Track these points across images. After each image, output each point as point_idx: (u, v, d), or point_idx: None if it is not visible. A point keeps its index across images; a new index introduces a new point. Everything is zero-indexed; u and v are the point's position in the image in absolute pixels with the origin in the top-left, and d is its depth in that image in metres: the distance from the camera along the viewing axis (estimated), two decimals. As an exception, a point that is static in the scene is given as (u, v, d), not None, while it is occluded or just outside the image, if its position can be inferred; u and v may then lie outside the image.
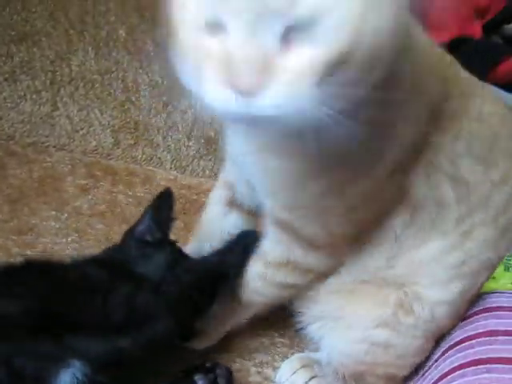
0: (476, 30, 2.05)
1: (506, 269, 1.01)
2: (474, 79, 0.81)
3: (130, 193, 1.14)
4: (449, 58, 0.79)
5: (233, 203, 0.91)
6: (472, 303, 0.87)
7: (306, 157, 0.67)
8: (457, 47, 1.91)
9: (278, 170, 0.72)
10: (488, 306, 0.87)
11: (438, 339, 0.85)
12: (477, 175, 0.77)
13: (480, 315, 0.85)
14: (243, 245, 0.86)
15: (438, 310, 0.81)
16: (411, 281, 0.81)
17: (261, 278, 0.84)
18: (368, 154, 0.67)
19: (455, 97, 0.76)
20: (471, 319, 0.85)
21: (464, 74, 0.80)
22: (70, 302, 0.72)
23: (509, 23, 1.99)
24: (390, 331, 0.81)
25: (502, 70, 1.70)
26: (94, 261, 0.83)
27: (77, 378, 0.67)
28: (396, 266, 0.80)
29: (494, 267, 0.83)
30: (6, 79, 1.20)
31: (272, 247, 0.81)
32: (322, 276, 0.83)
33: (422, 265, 0.80)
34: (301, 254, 0.79)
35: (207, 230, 0.98)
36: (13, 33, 1.22)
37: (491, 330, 0.80)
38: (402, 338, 0.82)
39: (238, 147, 0.76)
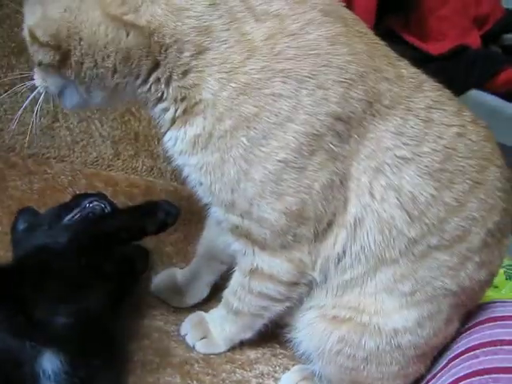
0: (475, 39, 2.06)
1: (508, 278, 1.00)
2: (424, 77, 0.79)
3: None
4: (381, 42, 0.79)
5: None
6: (475, 313, 0.86)
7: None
8: (456, 56, 1.92)
9: (196, 166, 0.76)
10: (492, 315, 0.86)
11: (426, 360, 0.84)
12: (427, 194, 0.75)
13: (484, 325, 0.84)
14: (149, 212, 0.90)
15: (398, 338, 0.80)
16: (362, 310, 0.80)
17: (241, 286, 0.86)
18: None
19: (392, 81, 0.75)
20: (475, 329, 0.84)
21: (411, 67, 0.79)
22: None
23: (507, 33, 1.99)
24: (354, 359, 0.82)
25: (501, 79, 1.71)
26: None
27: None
28: (344, 296, 0.81)
29: (455, 295, 0.79)
30: (6, 91, 1.20)
31: (240, 256, 0.84)
32: (294, 290, 0.83)
33: (372, 295, 0.80)
34: (262, 259, 0.81)
35: (206, 246, 1.00)
36: (13, 45, 1.22)
37: (496, 340, 0.80)
38: (372, 364, 0.82)
39: (177, 163, 0.81)
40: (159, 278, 1.02)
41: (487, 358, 0.77)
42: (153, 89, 0.75)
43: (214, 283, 1.00)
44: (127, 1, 0.69)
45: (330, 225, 0.77)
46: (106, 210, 0.94)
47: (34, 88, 0.81)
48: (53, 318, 0.75)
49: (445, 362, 0.83)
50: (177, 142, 0.77)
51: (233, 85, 0.71)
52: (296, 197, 0.74)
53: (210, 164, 0.75)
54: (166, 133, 0.79)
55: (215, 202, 0.79)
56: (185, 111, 0.75)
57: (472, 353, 0.79)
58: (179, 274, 1.02)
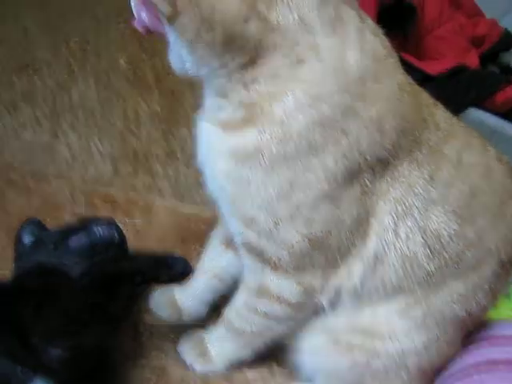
0: (473, 59, 2.07)
1: (507, 296, 1.00)
2: (454, 119, 0.82)
3: (129, 221, 1.14)
4: (422, 91, 0.81)
5: (229, 242, 0.92)
6: (472, 332, 0.87)
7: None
8: (454, 76, 1.94)
9: (226, 172, 0.74)
10: (489, 335, 0.86)
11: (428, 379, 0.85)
12: (450, 230, 0.77)
13: (480, 344, 0.84)
14: (167, 264, 0.90)
15: (405, 359, 0.81)
16: (373, 334, 0.81)
17: (245, 306, 0.86)
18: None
19: (431, 130, 0.77)
20: (471, 348, 0.84)
21: (443, 111, 0.81)
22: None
23: (505, 51, 2.01)
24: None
25: (500, 98, 1.72)
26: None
27: None
28: (356, 321, 0.82)
29: (462, 320, 0.81)
30: (6, 108, 1.21)
31: (248, 273, 0.83)
32: (301, 311, 0.83)
33: (384, 319, 0.81)
34: (271, 279, 0.80)
35: (206, 264, 0.99)
36: (14, 62, 1.23)
37: (492, 360, 0.80)
38: (376, 381, 0.83)
39: (201, 158, 0.79)
40: (157, 296, 1.01)
41: (482, 377, 0.77)
42: (229, 84, 0.72)
43: (213, 301, 1.00)
44: None
45: (345, 255, 0.77)
46: (115, 237, 0.94)
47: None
48: (48, 348, 0.74)
49: (440, 381, 0.83)
50: (214, 139, 0.76)
51: (314, 112, 0.69)
52: (324, 225, 0.74)
53: (243, 176, 0.73)
54: (203, 121, 0.77)
55: (234, 214, 0.78)
56: (243, 118, 0.72)
57: (467, 372, 0.79)
58: (177, 291, 1.01)
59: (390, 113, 0.72)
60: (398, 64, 0.76)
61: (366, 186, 0.74)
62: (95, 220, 0.95)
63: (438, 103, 0.81)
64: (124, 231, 1.11)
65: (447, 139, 0.78)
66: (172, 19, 0.68)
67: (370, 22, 0.74)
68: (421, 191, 0.75)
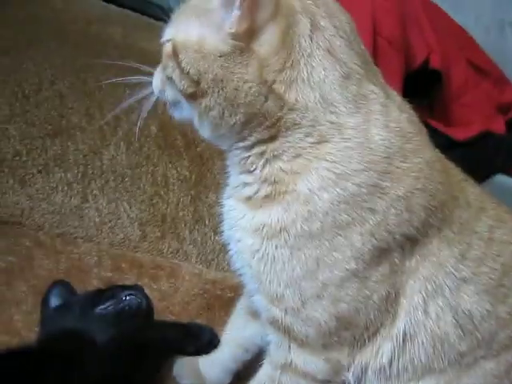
0: (500, 125, 2.08)
1: None
2: (484, 195, 0.81)
3: (155, 286, 1.14)
4: (452, 166, 0.81)
5: (255, 313, 0.91)
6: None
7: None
8: (481, 142, 1.94)
9: (251, 250, 0.74)
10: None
11: None
12: (483, 310, 0.76)
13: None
14: (193, 335, 0.91)
15: None
16: None
17: (270, 379, 0.83)
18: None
19: (462, 207, 0.77)
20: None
21: (473, 186, 0.81)
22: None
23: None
24: None
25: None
26: None
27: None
28: None
29: None
30: (39, 171, 1.23)
31: (273, 348, 0.82)
32: None
33: None
34: (297, 356, 0.78)
35: (231, 334, 0.98)
36: (49, 127, 1.26)
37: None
38: None
39: (227, 234, 0.80)
40: (180, 364, 1.00)
41: None
42: (251, 159, 0.73)
43: (237, 370, 0.98)
44: (286, 71, 0.68)
45: (374, 333, 0.76)
46: (142, 306, 0.93)
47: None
48: None
49: None
50: (239, 216, 0.76)
51: (339, 190, 0.69)
52: (352, 304, 0.73)
53: (270, 254, 0.73)
54: (228, 198, 0.78)
55: (260, 291, 0.77)
56: (267, 195, 0.73)
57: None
58: (201, 359, 1.00)
59: (419, 192, 0.71)
60: (427, 140, 0.76)
61: (395, 264, 0.73)
62: (124, 288, 0.95)
63: (468, 178, 0.81)
64: (150, 296, 1.11)
65: (478, 216, 0.77)
66: (192, 98, 0.71)
67: (397, 98, 0.75)
68: (452, 270, 0.74)
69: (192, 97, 0.71)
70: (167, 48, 0.73)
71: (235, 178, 0.78)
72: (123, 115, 1.29)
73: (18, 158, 1.22)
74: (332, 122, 0.69)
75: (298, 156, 0.71)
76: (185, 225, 1.25)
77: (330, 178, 0.69)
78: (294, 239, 0.71)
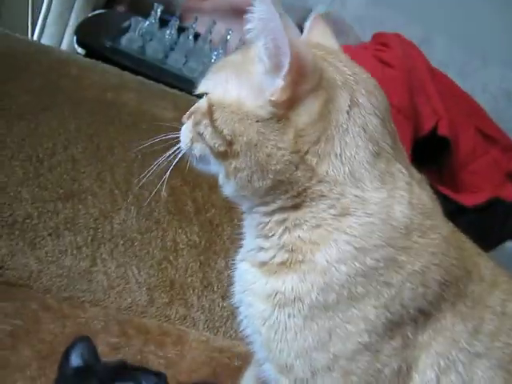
0: (509, 192, 2.08)
1: None
2: (497, 268, 0.81)
3: (161, 353, 1.13)
4: (466, 240, 0.80)
5: (263, 382, 0.89)
6: None
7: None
8: (490, 209, 1.94)
9: (263, 316, 0.73)
10: None
11: None
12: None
13: None
14: None
15: None
16: None
17: None
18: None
19: (475, 282, 0.76)
20: None
21: (486, 260, 0.80)
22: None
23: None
24: None
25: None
26: None
27: None
28: None
29: None
30: (49, 234, 1.24)
31: None
32: None
33: None
34: None
35: None
36: (61, 191, 1.27)
37: None
38: None
39: (238, 297, 0.79)
40: None
41: None
42: (270, 225, 0.74)
43: None
44: (320, 144, 0.69)
45: None
46: None
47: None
48: None
49: None
50: (252, 280, 0.75)
51: (357, 264, 0.69)
52: (363, 378, 0.72)
53: (281, 322, 0.72)
54: (242, 261, 0.78)
55: (269, 359, 0.76)
56: (283, 262, 0.73)
57: None
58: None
59: (435, 267, 0.71)
60: (443, 216, 0.76)
61: (408, 338, 0.72)
62: (146, 372, 0.91)
63: (481, 252, 0.81)
64: (156, 363, 1.10)
65: (491, 290, 0.77)
66: (222, 157, 0.71)
67: (416, 175, 0.76)
68: (465, 345, 0.73)
69: (222, 156, 0.71)
70: (202, 104, 0.74)
71: (251, 240, 0.78)
72: (134, 179, 1.30)
73: (29, 220, 1.23)
74: (357, 196, 0.70)
75: (318, 226, 0.71)
76: (193, 291, 1.24)
77: (350, 251, 0.69)
78: (308, 309, 0.70)
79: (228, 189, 0.75)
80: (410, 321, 0.71)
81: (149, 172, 0.85)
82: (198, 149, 0.75)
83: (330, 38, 0.83)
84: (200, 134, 0.73)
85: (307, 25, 0.84)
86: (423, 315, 0.72)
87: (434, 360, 0.73)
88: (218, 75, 0.75)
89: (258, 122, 0.68)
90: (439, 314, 0.73)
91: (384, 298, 0.69)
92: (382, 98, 0.75)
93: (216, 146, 0.71)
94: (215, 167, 0.75)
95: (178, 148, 0.79)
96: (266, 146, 0.68)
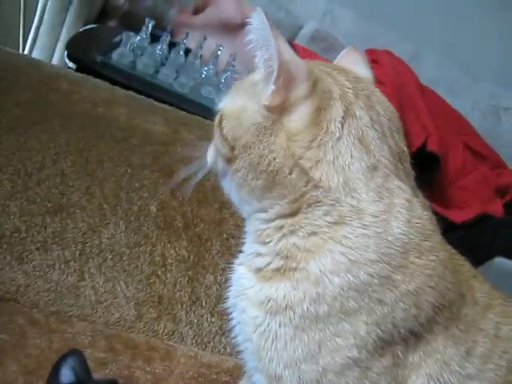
0: (498, 208, 2.10)
1: None
2: (492, 291, 0.80)
3: (149, 369, 1.12)
4: (463, 264, 0.81)
5: None
6: None
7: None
8: (479, 224, 1.95)
9: (255, 323, 0.73)
10: None
11: None
12: None
13: None
14: None
15: None
16: None
17: None
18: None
19: (469, 305, 0.76)
20: None
21: (481, 283, 0.80)
22: None
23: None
24: None
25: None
26: None
27: None
28: None
29: None
30: (37, 248, 1.23)
31: None
32: None
33: None
34: None
35: None
36: (49, 205, 1.26)
37: None
38: None
39: (232, 302, 0.80)
40: None
41: None
42: (267, 231, 0.75)
43: None
44: (313, 149, 0.71)
45: None
46: None
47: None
48: None
49: None
50: (246, 285, 0.76)
51: (350, 277, 0.69)
52: None
53: (272, 330, 0.72)
54: (240, 265, 0.79)
55: (259, 368, 0.76)
56: (277, 269, 0.73)
57: None
58: None
59: (430, 289, 0.71)
60: (442, 239, 0.76)
61: (398, 357, 0.71)
62: None
63: (477, 274, 0.81)
64: (144, 378, 1.09)
65: (485, 313, 0.76)
66: (229, 163, 0.75)
67: (422, 198, 0.76)
68: (457, 368, 0.73)
69: (228, 162, 0.75)
70: (216, 117, 0.78)
71: (249, 246, 0.79)
72: (124, 194, 1.30)
73: (16, 234, 1.22)
74: (352, 206, 0.70)
75: (313, 234, 0.71)
76: (181, 306, 1.23)
77: (344, 263, 0.69)
78: (298, 319, 0.70)
79: (231, 193, 0.78)
80: (400, 340, 0.71)
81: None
82: (220, 164, 0.79)
83: (363, 66, 0.85)
84: (216, 147, 0.78)
85: (340, 54, 0.88)
86: (414, 336, 0.72)
87: (424, 381, 0.72)
88: (231, 93, 0.79)
89: (253, 125, 0.72)
90: (431, 336, 0.72)
91: (376, 316, 0.69)
92: (386, 114, 0.76)
93: (224, 152, 0.75)
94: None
95: (200, 164, 0.83)
96: (259, 148, 0.71)
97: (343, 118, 0.72)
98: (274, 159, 0.71)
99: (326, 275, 0.70)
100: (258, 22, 0.73)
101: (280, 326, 0.72)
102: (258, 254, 0.76)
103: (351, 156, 0.71)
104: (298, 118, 0.71)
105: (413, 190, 0.75)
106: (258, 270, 0.76)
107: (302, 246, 0.72)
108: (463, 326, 0.74)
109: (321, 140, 0.71)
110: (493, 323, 0.76)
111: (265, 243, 0.75)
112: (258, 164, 0.71)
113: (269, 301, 0.72)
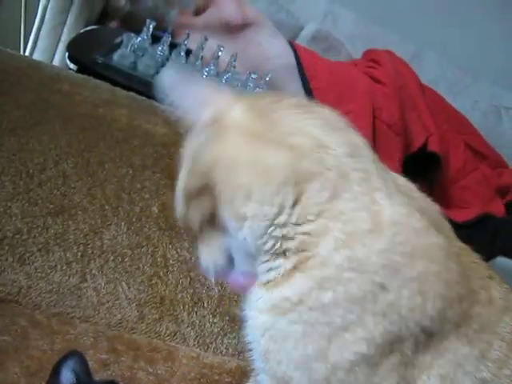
0: (498, 208, 2.10)
1: None
2: (511, 295, 0.78)
3: (151, 370, 1.12)
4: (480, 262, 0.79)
5: None
6: None
7: None
8: (481, 224, 1.95)
9: (264, 327, 0.72)
10: None
11: None
12: None
13: None
14: None
15: None
16: None
17: None
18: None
19: (483, 304, 0.74)
20: None
21: (500, 285, 0.78)
22: None
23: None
24: None
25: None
26: None
27: None
28: None
29: None
30: (39, 250, 1.23)
31: None
32: None
33: None
34: None
35: None
36: (51, 206, 1.27)
37: None
38: None
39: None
40: None
41: None
42: (271, 241, 0.72)
43: None
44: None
45: None
46: None
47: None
48: None
49: None
50: (261, 299, 0.74)
51: (347, 253, 0.69)
52: None
53: (281, 331, 0.71)
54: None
55: (267, 371, 0.74)
56: (295, 267, 0.71)
57: None
58: None
59: (433, 277, 0.70)
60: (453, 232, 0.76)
61: (407, 355, 0.70)
62: None
63: (493, 275, 0.78)
64: (146, 379, 1.09)
65: (501, 316, 0.74)
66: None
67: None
68: (471, 369, 0.71)
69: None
70: None
71: (251, 267, 0.76)
72: (125, 195, 1.30)
73: (18, 235, 1.22)
74: (337, 168, 0.71)
75: (319, 215, 0.70)
76: (183, 307, 1.24)
77: (341, 238, 0.69)
78: (307, 313, 0.69)
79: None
80: (410, 337, 0.70)
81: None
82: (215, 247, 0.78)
83: None
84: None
85: None
86: (426, 335, 0.70)
87: (436, 381, 0.71)
88: None
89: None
90: (443, 335, 0.71)
91: (381, 304, 0.68)
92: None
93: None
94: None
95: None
96: None
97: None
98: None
99: (330, 256, 0.68)
100: None
101: (290, 324, 0.70)
102: (271, 269, 0.73)
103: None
104: None
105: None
106: (274, 281, 0.73)
107: (313, 230, 0.70)
108: (476, 326, 0.72)
109: None
110: (509, 327, 0.74)
111: (274, 252, 0.72)
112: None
113: (280, 302, 0.71)
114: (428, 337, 0.71)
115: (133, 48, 1.84)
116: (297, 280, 0.70)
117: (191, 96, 0.75)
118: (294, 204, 0.70)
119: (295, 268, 0.71)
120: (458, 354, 0.72)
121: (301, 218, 0.70)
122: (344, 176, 0.70)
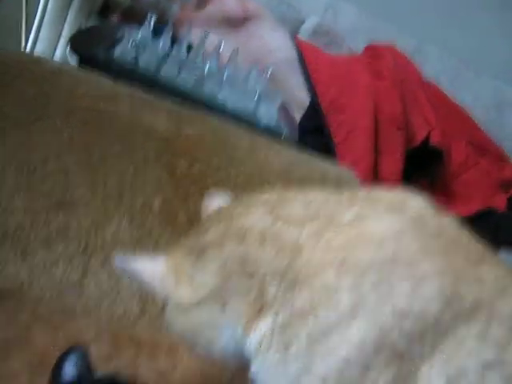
0: (500, 202, 2.10)
1: None
2: (506, 278, 0.74)
3: (153, 364, 1.12)
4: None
5: None
6: None
7: None
8: (483, 219, 1.95)
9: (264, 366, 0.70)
10: None
11: None
12: None
13: None
14: None
15: None
16: None
17: None
18: None
19: (470, 283, 0.70)
20: None
21: (494, 267, 0.75)
22: None
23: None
24: None
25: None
26: None
27: None
28: None
29: None
30: (41, 244, 1.23)
31: None
32: None
33: None
34: None
35: None
36: (53, 200, 1.27)
37: None
38: None
39: None
40: None
41: None
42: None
43: None
44: None
45: None
46: None
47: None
48: None
49: None
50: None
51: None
52: None
53: (264, 367, 0.70)
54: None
55: None
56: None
57: None
58: None
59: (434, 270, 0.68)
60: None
61: (397, 349, 0.69)
62: None
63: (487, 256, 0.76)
64: (147, 374, 1.09)
65: (495, 298, 0.71)
66: None
67: None
68: (472, 350, 0.67)
69: None
70: None
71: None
72: (127, 189, 1.30)
73: (20, 230, 1.22)
74: None
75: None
76: (185, 300, 1.23)
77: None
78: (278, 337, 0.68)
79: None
80: (394, 328, 0.66)
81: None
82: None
83: None
84: None
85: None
86: (419, 336, 0.67)
87: (440, 369, 0.66)
88: None
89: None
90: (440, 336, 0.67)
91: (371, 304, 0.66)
92: None
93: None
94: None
95: None
96: None
97: None
98: None
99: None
100: None
101: (274, 354, 0.68)
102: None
103: None
104: None
105: None
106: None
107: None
108: (468, 305, 0.68)
109: None
110: (508, 310, 0.69)
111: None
112: None
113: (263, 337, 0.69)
114: (416, 325, 0.69)
115: (134, 42, 1.83)
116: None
117: None
118: None
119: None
120: (456, 335, 0.68)
121: None
122: None
